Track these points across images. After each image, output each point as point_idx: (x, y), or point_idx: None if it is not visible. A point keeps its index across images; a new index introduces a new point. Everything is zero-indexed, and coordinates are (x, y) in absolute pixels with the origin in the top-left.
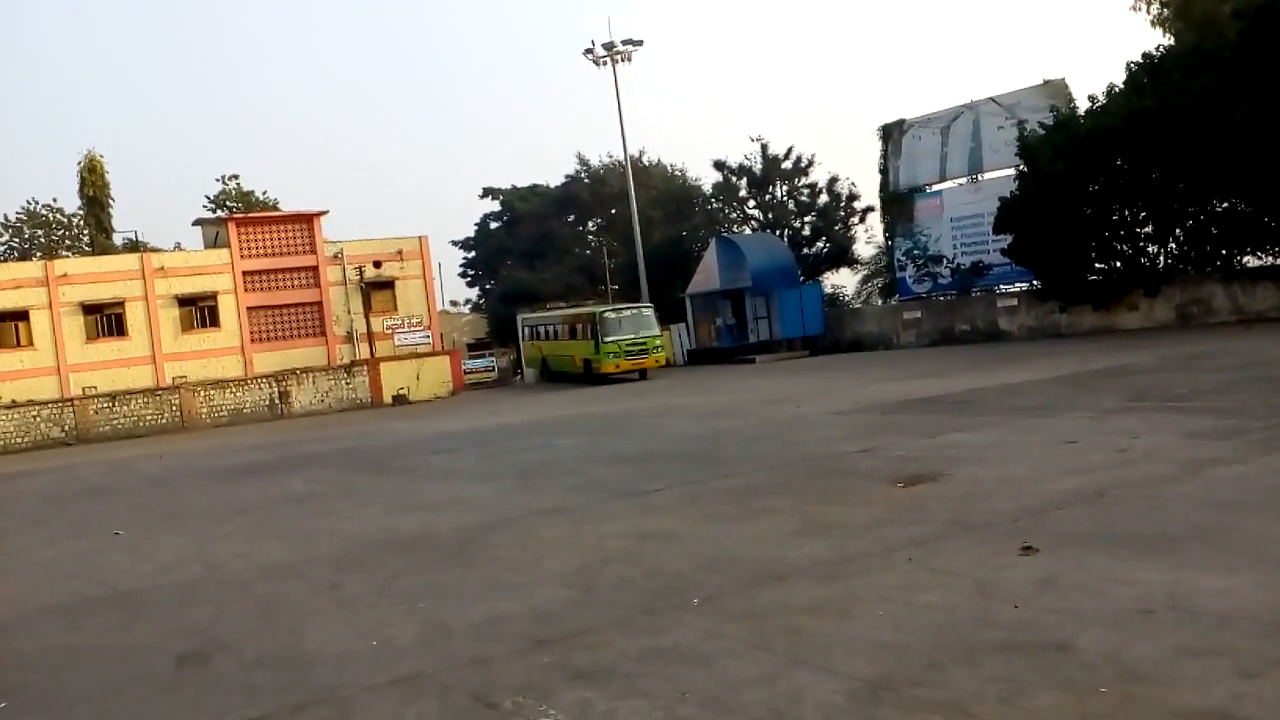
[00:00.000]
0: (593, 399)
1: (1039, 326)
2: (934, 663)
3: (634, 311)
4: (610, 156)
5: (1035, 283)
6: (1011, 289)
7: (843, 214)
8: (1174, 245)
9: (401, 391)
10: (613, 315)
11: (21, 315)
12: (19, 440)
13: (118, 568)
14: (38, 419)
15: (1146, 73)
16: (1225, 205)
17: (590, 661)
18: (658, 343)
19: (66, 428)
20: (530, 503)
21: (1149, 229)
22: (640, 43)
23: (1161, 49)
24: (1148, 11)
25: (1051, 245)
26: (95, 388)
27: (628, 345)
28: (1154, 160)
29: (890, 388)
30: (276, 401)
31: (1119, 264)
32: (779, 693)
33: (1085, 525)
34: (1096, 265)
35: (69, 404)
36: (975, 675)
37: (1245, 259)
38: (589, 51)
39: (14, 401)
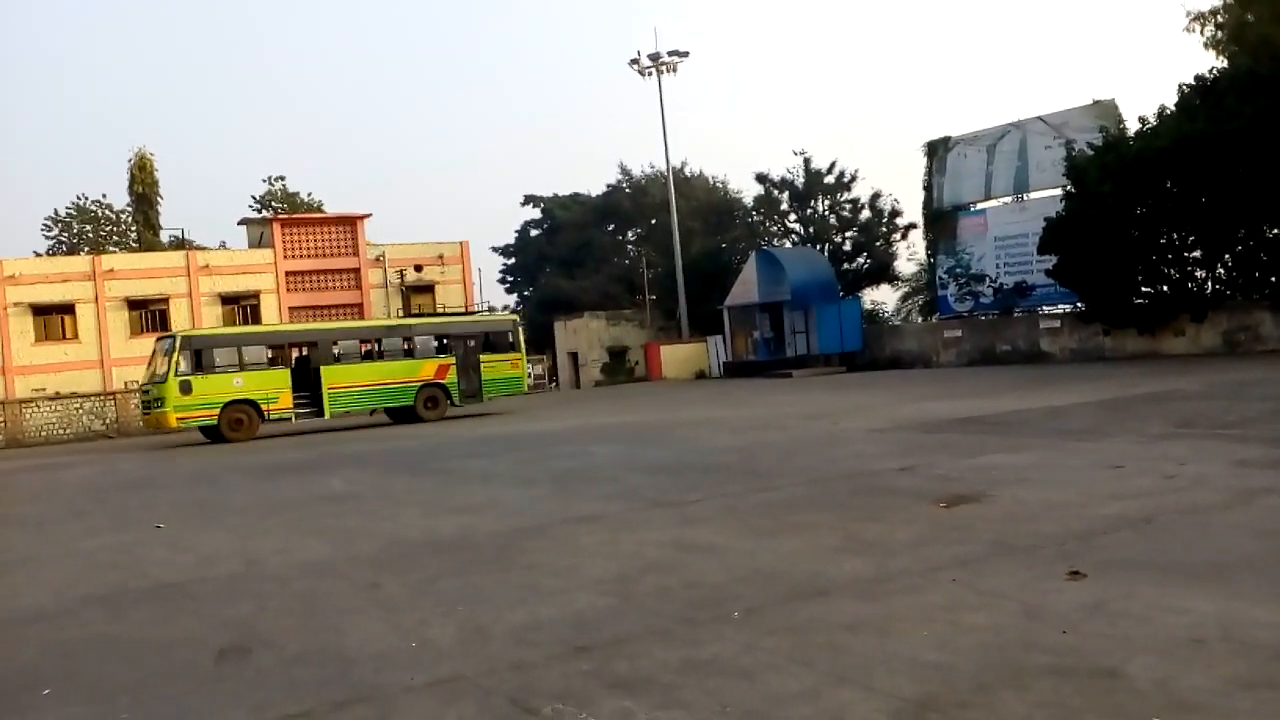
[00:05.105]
0: (628, 409)
1: (1082, 349)
2: (981, 685)
3: (163, 343)
4: (652, 166)
5: (1079, 305)
6: (1055, 310)
7: (885, 230)
8: (1222, 270)
9: None
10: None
11: (67, 309)
12: (61, 432)
13: (159, 560)
14: (80, 411)
15: (1199, 95)
16: (1276, 231)
17: (629, 670)
18: (160, 394)
19: (108, 421)
20: (567, 509)
21: (1197, 253)
22: (686, 54)
23: (1215, 72)
24: (1201, 34)
25: (1097, 267)
26: (137, 382)
27: (143, 391)
28: (1204, 184)
29: (930, 406)
30: None
31: (1165, 288)
32: (821, 709)
33: (1133, 551)
34: (1142, 289)
35: (111, 397)
36: (1024, 699)
37: None
38: (634, 62)
39: (57, 393)
